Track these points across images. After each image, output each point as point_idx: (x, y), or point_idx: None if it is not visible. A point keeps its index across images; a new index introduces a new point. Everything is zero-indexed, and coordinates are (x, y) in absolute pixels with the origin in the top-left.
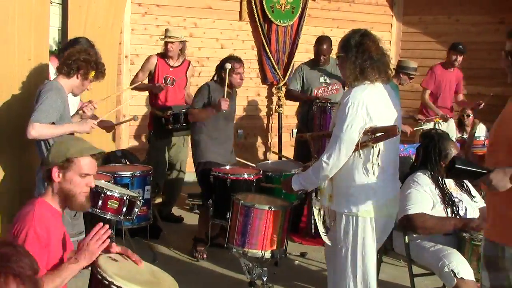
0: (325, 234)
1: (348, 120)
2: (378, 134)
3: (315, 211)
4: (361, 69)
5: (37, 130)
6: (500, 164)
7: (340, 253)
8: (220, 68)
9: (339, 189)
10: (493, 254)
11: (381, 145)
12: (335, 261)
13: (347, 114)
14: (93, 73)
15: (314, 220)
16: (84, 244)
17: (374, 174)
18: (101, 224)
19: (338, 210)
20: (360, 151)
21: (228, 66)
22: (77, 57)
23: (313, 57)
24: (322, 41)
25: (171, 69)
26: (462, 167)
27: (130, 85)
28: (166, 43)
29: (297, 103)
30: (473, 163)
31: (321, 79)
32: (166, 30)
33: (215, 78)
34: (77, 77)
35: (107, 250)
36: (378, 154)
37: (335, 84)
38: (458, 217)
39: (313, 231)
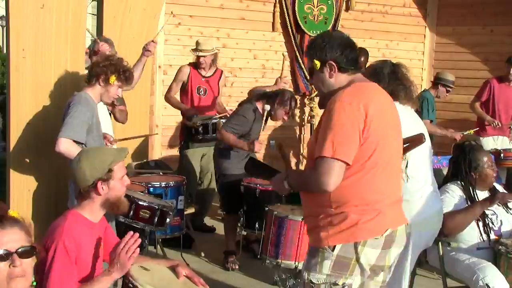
0: None
1: None
2: (405, 145)
3: None
4: (393, 91)
5: (66, 146)
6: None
7: None
8: (274, 96)
9: None
10: None
11: (409, 158)
12: None
13: None
14: (113, 77)
15: None
16: (115, 255)
17: (406, 187)
18: (131, 232)
19: None
20: None
21: (267, 108)
22: (97, 63)
23: None
24: (361, 53)
25: (203, 79)
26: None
27: (164, 97)
28: (198, 56)
29: None
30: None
31: None
32: (197, 43)
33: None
34: (99, 84)
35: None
36: (407, 166)
37: None
38: (492, 231)
39: None
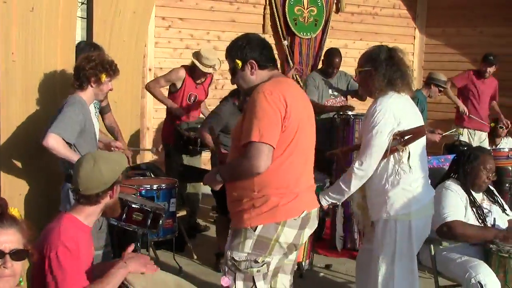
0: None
1: (377, 126)
2: (407, 137)
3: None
4: (389, 80)
5: (54, 142)
6: None
7: (376, 262)
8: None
9: (373, 197)
10: None
11: (411, 148)
12: (369, 271)
13: (376, 121)
14: (103, 75)
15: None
16: (137, 256)
17: (407, 177)
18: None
19: (376, 217)
20: (392, 155)
21: None
22: (83, 67)
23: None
24: (336, 54)
25: (197, 87)
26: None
27: (147, 86)
28: (198, 68)
29: None
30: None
31: (330, 91)
32: (203, 56)
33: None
34: (92, 86)
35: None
36: (409, 157)
37: (340, 97)
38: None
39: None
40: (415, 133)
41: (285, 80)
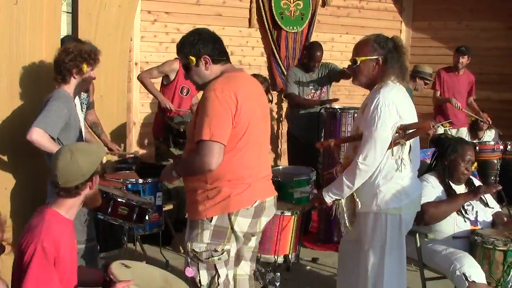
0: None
1: (381, 119)
2: (410, 131)
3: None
4: (402, 71)
5: (38, 136)
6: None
7: (366, 254)
8: None
9: (365, 189)
10: None
11: (411, 142)
12: (356, 263)
13: (380, 114)
14: (84, 65)
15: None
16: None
17: (405, 171)
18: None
19: (365, 210)
20: (393, 148)
21: None
22: (62, 61)
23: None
24: (318, 48)
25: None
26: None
27: (139, 76)
28: None
29: None
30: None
31: (311, 85)
32: None
33: None
34: (74, 77)
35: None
36: (410, 151)
37: (323, 88)
38: (467, 221)
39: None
40: (419, 128)
41: (237, 75)
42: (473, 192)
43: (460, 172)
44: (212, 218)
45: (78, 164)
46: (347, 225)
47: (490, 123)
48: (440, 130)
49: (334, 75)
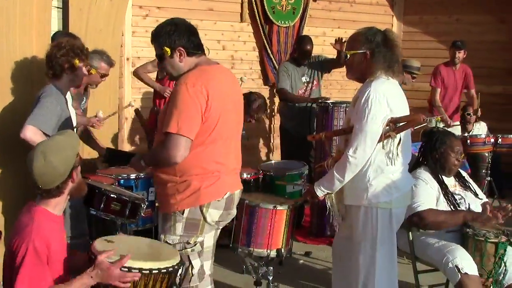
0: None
1: (372, 112)
2: (401, 124)
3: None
4: (390, 64)
5: (31, 134)
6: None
7: (358, 248)
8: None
9: (356, 182)
10: None
11: (401, 135)
12: (349, 256)
13: (370, 107)
14: (76, 60)
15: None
16: (105, 267)
17: (394, 165)
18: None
19: (355, 203)
20: (384, 141)
21: None
22: (54, 56)
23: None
24: (308, 42)
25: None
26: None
27: (135, 72)
28: None
29: None
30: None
31: (303, 79)
32: None
33: None
34: (66, 73)
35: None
36: (399, 144)
37: (314, 80)
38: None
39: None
40: (410, 121)
41: (211, 69)
42: (477, 215)
43: (452, 163)
44: (183, 211)
45: (53, 166)
46: (338, 218)
47: (479, 112)
48: (433, 124)
49: (325, 65)
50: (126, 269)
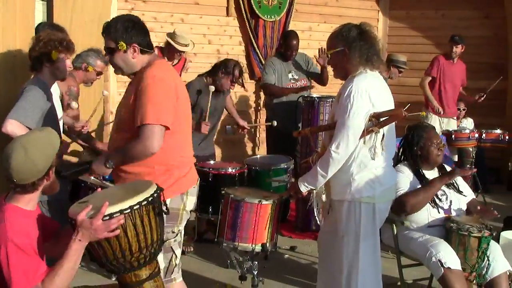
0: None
1: (354, 107)
2: (383, 119)
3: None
4: (367, 57)
5: (13, 128)
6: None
7: (341, 242)
8: (217, 67)
9: (339, 177)
10: None
11: (384, 130)
12: (333, 250)
13: (353, 102)
14: (54, 52)
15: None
16: (88, 224)
17: (378, 159)
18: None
19: (339, 198)
20: (367, 137)
21: (212, 89)
22: (32, 49)
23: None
24: (294, 37)
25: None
26: (67, 173)
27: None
28: (173, 48)
29: None
30: (75, 165)
31: (290, 75)
32: (178, 36)
33: (207, 78)
34: (46, 65)
35: None
36: (383, 139)
37: (303, 79)
38: (441, 209)
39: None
40: (392, 116)
41: (166, 63)
42: (449, 174)
43: (435, 155)
44: (165, 201)
45: (34, 161)
46: (320, 214)
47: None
48: (435, 120)
49: (310, 75)
50: (108, 217)
